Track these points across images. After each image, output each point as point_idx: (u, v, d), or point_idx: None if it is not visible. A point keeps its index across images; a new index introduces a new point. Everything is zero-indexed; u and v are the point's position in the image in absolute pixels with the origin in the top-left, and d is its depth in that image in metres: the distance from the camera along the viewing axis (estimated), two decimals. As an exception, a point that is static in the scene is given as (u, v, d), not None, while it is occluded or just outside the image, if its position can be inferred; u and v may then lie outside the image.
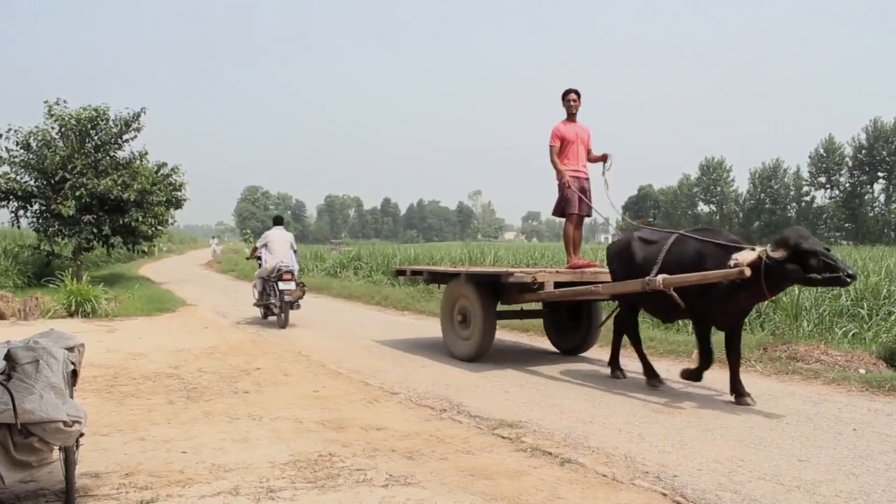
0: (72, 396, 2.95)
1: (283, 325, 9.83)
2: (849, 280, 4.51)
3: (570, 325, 7.57)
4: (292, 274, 10.06)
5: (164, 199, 16.98)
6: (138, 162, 16.72)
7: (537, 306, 7.92)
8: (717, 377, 5.67)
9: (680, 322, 8.09)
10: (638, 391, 5.61)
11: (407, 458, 3.78)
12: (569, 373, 6.46)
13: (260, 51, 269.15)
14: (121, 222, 15.98)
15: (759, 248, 4.83)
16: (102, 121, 16.31)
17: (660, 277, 5.22)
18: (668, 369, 6.27)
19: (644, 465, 3.68)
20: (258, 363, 6.88)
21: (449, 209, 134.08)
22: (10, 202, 15.86)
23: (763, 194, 70.79)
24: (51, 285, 13.44)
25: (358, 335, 9.07)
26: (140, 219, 16.25)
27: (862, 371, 6.07)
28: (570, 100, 7.25)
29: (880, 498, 3.22)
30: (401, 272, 9.40)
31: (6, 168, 15.60)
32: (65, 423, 2.70)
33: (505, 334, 8.88)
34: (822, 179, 67.31)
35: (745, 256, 4.75)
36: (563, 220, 7.44)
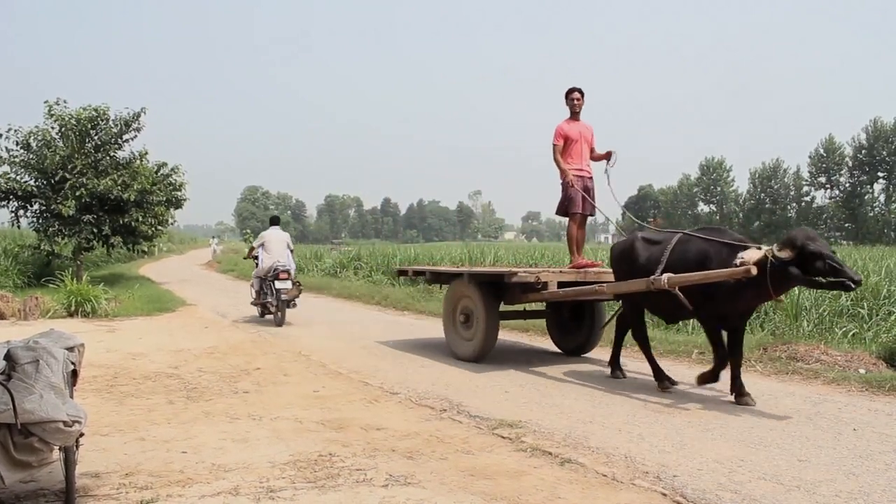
0: (72, 396, 2.95)
1: (279, 322, 10.06)
2: (853, 286, 4.48)
3: (572, 325, 7.54)
4: (288, 273, 10.26)
5: (164, 198, 17.01)
6: (138, 162, 16.74)
7: (540, 306, 7.91)
8: (717, 377, 5.67)
9: (680, 322, 8.08)
10: (638, 391, 5.60)
11: (407, 458, 3.78)
12: (569, 373, 6.46)
13: (260, 51, 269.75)
14: (121, 222, 16.01)
15: (765, 247, 4.81)
16: (102, 121, 16.33)
17: (664, 276, 5.17)
18: (668, 369, 6.25)
19: (644, 465, 3.68)
20: (258, 363, 6.88)
21: (449, 209, 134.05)
22: (10, 202, 15.89)
23: (763, 194, 70.79)
24: (51, 285, 13.45)
25: (358, 335, 9.08)
26: (140, 219, 16.28)
27: (862, 371, 6.07)
28: (574, 98, 7.21)
29: (880, 498, 3.22)
30: (403, 272, 9.41)
31: (6, 168, 15.65)
32: (65, 423, 2.69)
33: (505, 334, 8.86)
34: (822, 179, 67.36)
35: (752, 255, 4.73)
36: (566, 219, 7.41)
